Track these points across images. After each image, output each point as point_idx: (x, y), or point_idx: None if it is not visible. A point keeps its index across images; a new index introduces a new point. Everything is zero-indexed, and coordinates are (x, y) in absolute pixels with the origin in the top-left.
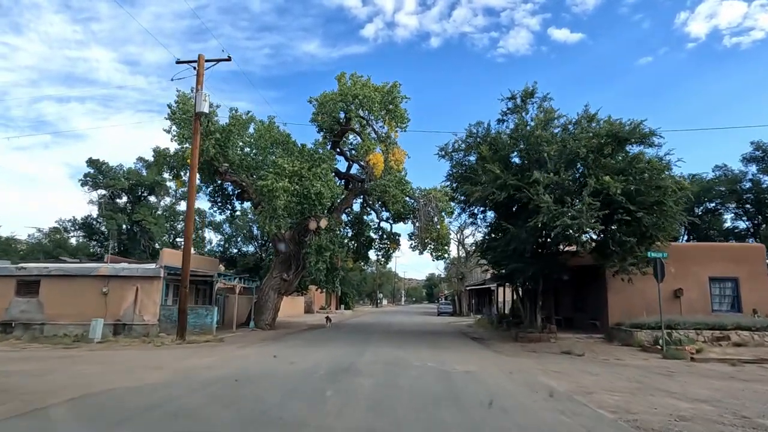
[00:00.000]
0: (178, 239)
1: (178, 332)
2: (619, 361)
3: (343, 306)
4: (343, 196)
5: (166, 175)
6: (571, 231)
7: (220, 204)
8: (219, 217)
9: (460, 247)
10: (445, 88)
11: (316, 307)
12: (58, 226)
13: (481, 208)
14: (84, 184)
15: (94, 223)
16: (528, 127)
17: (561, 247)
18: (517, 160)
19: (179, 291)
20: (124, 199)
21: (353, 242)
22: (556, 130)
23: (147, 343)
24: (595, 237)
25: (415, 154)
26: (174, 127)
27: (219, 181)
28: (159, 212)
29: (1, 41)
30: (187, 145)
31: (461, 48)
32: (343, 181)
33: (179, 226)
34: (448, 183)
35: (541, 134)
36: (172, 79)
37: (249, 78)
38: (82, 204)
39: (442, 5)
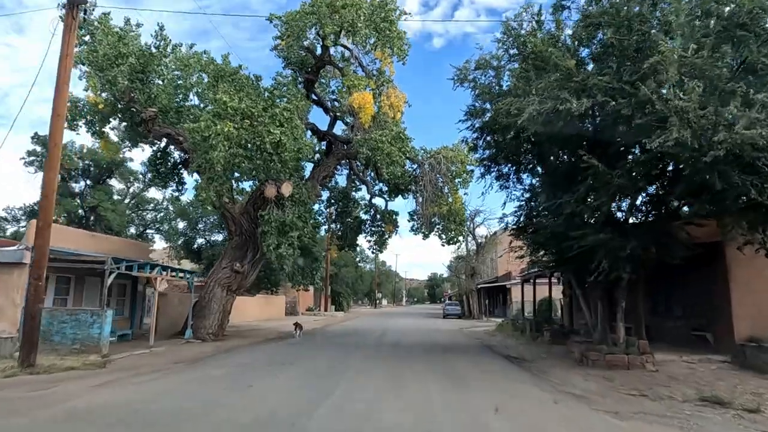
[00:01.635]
0: (148, 231)
1: (22, 353)
2: None
3: (334, 307)
4: (318, 158)
5: (84, 130)
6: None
7: (163, 176)
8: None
9: (470, 239)
10: (445, 91)
11: (301, 309)
12: (6, 215)
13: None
14: (30, 164)
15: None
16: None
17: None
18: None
19: (33, 285)
20: (83, 183)
21: (338, 225)
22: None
23: None
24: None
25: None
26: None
27: (150, 138)
28: (125, 200)
29: None
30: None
31: (464, 48)
32: (324, 143)
33: (149, 216)
34: (468, 124)
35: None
36: None
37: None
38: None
39: (445, 5)
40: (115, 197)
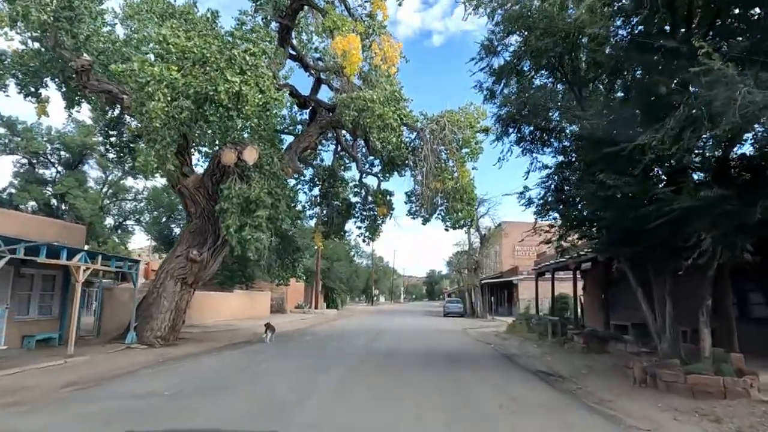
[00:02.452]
0: (127, 223)
1: None
2: None
3: (326, 305)
4: (300, 130)
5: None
6: None
7: (116, 148)
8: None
9: (473, 231)
10: (445, 87)
11: (290, 306)
12: None
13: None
14: None
15: (14, 198)
16: None
17: None
18: None
19: None
20: (54, 169)
21: (322, 208)
22: None
23: None
24: None
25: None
26: None
27: (88, 95)
28: (103, 188)
29: None
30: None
31: (463, 45)
32: (306, 112)
33: (128, 206)
34: (483, 64)
35: None
36: None
37: None
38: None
39: (444, 3)
40: (93, 186)
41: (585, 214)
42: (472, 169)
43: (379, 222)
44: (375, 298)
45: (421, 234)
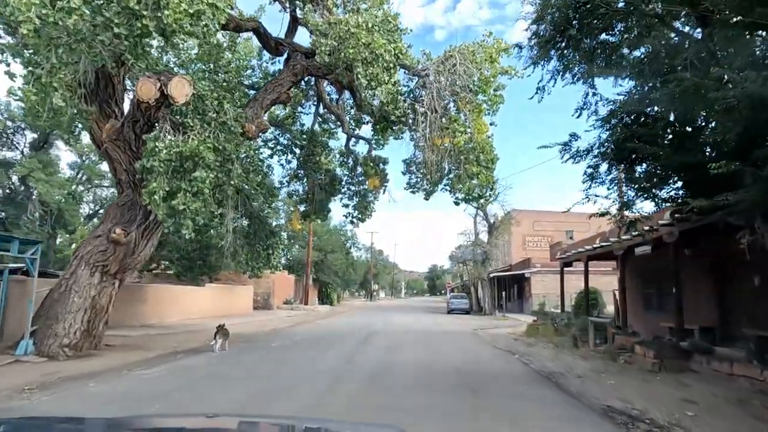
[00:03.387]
0: (102, 210)
1: None
2: None
3: (319, 300)
4: (266, 76)
5: None
6: None
7: None
8: None
9: (480, 218)
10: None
11: (277, 302)
12: None
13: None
14: None
15: None
16: None
17: None
18: None
19: None
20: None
21: (301, 180)
22: None
23: None
24: None
25: None
26: None
27: None
28: (78, 174)
29: None
30: None
31: (466, 40)
32: (281, 61)
33: (104, 193)
34: None
35: None
36: None
37: None
38: None
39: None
40: (68, 171)
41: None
42: (491, 125)
43: (371, 199)
44: (374, 294)
45: (422, 221)
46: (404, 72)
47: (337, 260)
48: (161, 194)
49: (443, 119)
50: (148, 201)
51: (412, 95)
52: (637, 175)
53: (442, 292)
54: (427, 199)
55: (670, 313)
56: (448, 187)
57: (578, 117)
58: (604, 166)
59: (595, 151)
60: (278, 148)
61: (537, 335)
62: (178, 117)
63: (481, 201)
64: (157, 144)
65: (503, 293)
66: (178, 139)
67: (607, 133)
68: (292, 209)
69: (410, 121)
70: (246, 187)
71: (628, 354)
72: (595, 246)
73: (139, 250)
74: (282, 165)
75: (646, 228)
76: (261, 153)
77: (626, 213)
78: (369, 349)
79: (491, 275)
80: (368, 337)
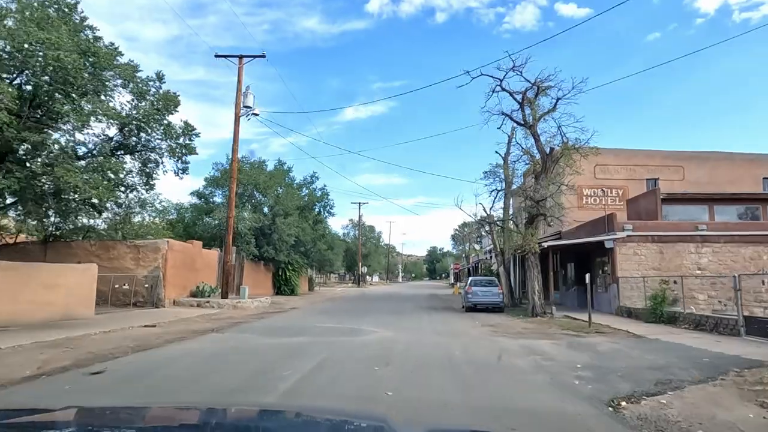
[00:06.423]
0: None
1: None
2: None
3: (274, 289)
4: None
5: None
6: None
7: None
8: None
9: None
10: (449, 65)
11: (172, 292)
12: None
13: None
14: None
15: None
16: None
17: None
18: None
19: None
20: None
21: None
22: None
23: None
24: None
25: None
26: None
27: None
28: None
29: None
30: None
31: (467, 23)
32: None
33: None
34: None
35: None
36: None
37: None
38: None
39: None
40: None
41: None
42: None
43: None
44: (365, 278)
45: (423, 212)
46: None
47: (301, 231)
48: None
49: None
50: None
51: None
52: None
53: (444, 275)
54: None
55: None
56: None
57: None
58: None
59: None
60: None
61: None
62: None
63: None
64: None
65: (550, 276)
66: None
67: None
68: None
69: None
70: None
71: None
72: None
73: None
74: None
75: None
76: None
77: None
78: None
79: (546, 245)
80: None
